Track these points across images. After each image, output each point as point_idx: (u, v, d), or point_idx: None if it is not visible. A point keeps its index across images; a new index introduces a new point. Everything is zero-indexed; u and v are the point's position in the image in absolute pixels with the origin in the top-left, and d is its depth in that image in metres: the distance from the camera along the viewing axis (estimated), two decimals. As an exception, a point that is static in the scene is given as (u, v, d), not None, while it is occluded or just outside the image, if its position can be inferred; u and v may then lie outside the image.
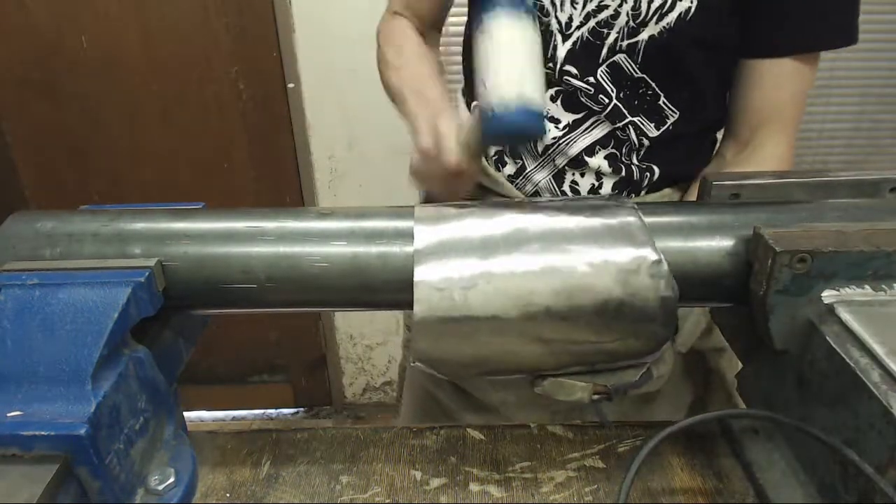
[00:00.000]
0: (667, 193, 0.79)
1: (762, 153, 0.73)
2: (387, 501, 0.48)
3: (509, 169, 0.80)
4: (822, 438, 0.39)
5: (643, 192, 0.78)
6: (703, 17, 0.66)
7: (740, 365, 0.53)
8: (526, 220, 0.46)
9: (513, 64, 0.55)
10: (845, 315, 0.40)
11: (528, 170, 0.79)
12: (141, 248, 0.45)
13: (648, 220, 0.46)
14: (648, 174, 0.76)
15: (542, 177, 0.78)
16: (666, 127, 0.74)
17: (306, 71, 1.71)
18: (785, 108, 0.72)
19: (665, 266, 0.43)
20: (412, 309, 0.43)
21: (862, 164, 1.87)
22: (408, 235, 0.46)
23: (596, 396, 0.47)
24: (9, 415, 0.36)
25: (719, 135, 0.81)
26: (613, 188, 0.77)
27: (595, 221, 0.46)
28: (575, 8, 0.71)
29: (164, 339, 0.49)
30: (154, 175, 1.83)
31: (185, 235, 0.46)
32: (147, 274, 0.42)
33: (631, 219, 0.46)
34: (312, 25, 1.66)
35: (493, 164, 0.81)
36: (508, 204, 0.50)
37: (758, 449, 0.49)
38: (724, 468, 0.50)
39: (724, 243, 0.45)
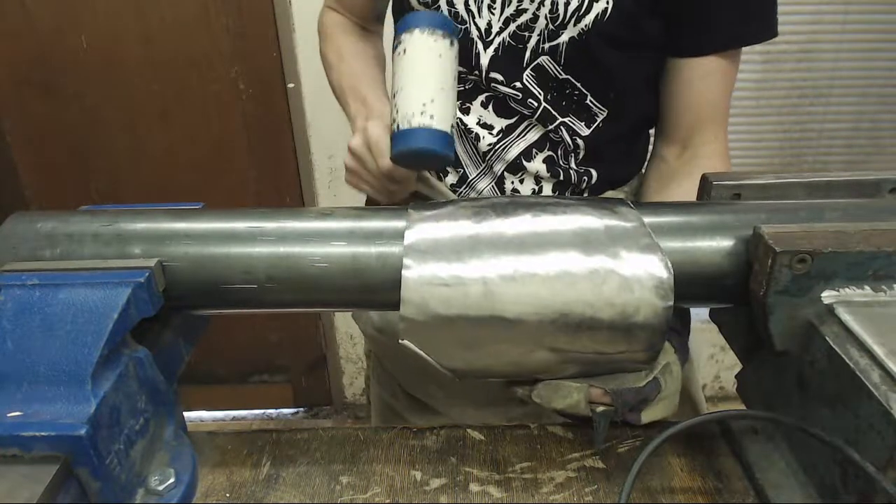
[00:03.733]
0: (609, 195, 0.78)
1: (706, 151, 0.73)
2: (387, 502, 0.48)
3: (451, 178, 0.79)
4: (824, 438, 0.39)
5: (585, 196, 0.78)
6: (619, 18, 0.66)
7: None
8: (508, 224, 0.45)
9: (424, 85, 0.55)
10: (845, 315, 0.40)
11: (471, 178, 0.78)
12: (141, 248, 0.45)
13: (648, 220, 0.46)
14: (586, 178, 0.76)
15: (484, 185, 0.77)
16: (596, 124, 0.74)
17: (306, 71, 1.71)
18: (717, 105, 0.73)
19: (672, 279, 0.42)
20: None
21: (862, 164, 1.87)
22: (408, 236, 0.46)
23: (601, 409, 0.46)
24: (9, 415, 0.36)
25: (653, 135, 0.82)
26: (553, 192, 0.77)
27: (602, 228, 0.45)
28: (493, 13, 0.70)
29: (164, 340, 0.49)
30: (154, 175, 1.83)
31: (186, 236, 0.46)
32: (147, 274, 0.42)
33: (640, 225, 0.45)
34: (312, 25, 1.65)
35: (434, 174, 0.80)
36: (507, 204, 0.48)
37: (758, 449, 0.49)
38: (724, 468, 0.50)
39: (724, 243, 0.45)
